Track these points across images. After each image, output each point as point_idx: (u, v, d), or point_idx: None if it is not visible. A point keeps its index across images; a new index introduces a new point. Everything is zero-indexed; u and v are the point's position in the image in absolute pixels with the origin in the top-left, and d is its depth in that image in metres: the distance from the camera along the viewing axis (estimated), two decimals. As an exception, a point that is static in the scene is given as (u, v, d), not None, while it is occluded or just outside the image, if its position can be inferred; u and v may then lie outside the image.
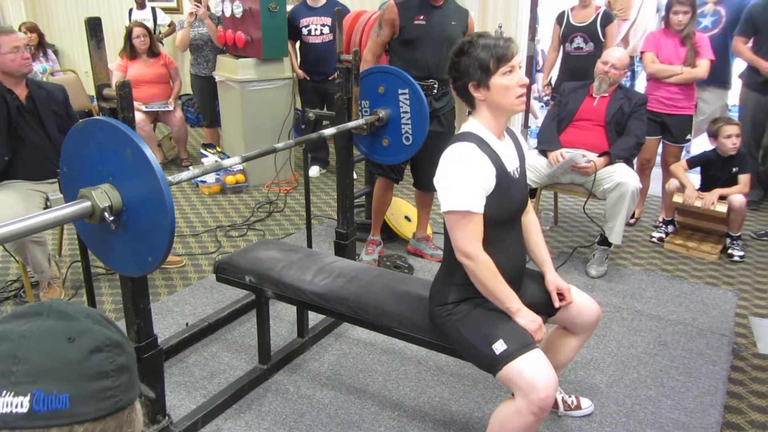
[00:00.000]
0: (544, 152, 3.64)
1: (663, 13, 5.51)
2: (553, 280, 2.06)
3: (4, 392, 0.67)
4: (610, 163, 3.47)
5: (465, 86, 1.90)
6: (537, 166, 3.61)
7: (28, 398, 0.66)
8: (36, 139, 3.06)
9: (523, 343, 1.77)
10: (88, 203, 1.63)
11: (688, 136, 4.06)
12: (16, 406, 0.66)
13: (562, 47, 4.61)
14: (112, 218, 1.64)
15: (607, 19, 4.39)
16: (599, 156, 3.49)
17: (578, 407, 2.36)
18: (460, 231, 1.79)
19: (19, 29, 5.90)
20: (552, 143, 3.63)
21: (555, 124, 3.75)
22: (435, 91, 3.31)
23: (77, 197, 1.66)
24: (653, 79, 4.03)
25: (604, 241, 3.52)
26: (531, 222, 2.15)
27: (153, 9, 6.73)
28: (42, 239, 3.03)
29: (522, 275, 2.03)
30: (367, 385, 2.53)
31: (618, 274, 3.53)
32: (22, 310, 0.74)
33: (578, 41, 4.48)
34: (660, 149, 4.25)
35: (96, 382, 0.70)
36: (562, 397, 2.36)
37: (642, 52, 4.11)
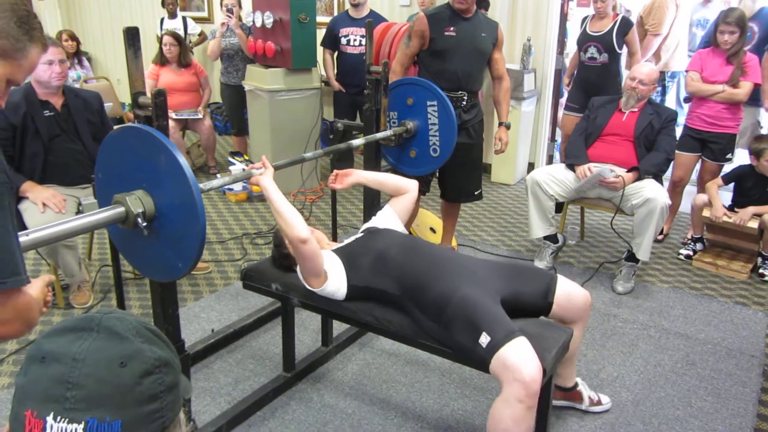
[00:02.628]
0: (571, 166, 3.61)
1: (694, 27, 5.49)
2: None
3: (59, 418, 0.68)
4: (639, 178, 3.43)
5: None
6: (564, 180, 3.59)
7: (82, 426, 0.68)
8: (70, 146, 3.12)
9: (505, 332, 1.79)
10: (122, 209, 1.66)
11: (729, 155, 3.97)
12: None
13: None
14: (144, 224, 1.66)
15: (626, 26, 4.37)
16: (628, 171, 3.46)
17: (599, 403, 2.43)
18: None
19: (59, 36, 6.03)
20: (579, 157, 3.60)
21: (583, 139, 3.73)
22: (464, 102, 3.32)
23: (111, 203, 1.69)
24: (696, 97, 3.97)
25: (632, 257, 3.48)
26: None
27: (184, 18, 6.84)
28: (73, 243, 3.09)
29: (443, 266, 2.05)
30: (391, 396, 2.53)
31: (645, 290, 3.49)
32: (73, 323, 0.74)
33: (592, 51, 4.47)
34: (698, 167, 4.18)
35: (146, 405, 0.71)
36: (588, 395, 2.41)
37: (686, 71, 4.07)
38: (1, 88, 1.14)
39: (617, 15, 4.48)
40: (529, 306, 2.08)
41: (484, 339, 1.78)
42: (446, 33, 3.24)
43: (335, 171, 2.44)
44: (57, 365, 0.70)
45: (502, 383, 1.77)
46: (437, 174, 3.59)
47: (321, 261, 2.03)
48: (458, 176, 3.52)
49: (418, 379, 2.63)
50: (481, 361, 1.81)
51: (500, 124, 3.48)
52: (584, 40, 4.52)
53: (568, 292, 2.13)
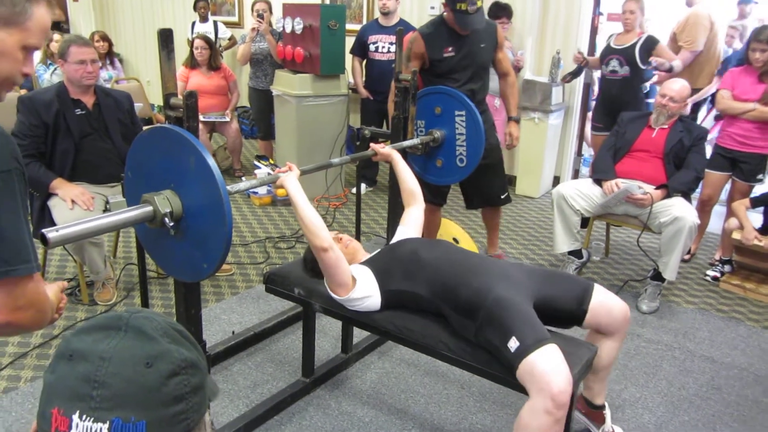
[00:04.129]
0: (598, 181, 3.57)
1: (725, 44, 5.41)
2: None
3: (85, 417, 0.68)
4: (668, 196, 3.38)
5: None
6: (590, 195, 3.55)
7: (107, 426, 0.67)
8: (100, 145, 3.16)
9: (536, 337, 1.76)
10: (150, 208, 1.67)
11: (760, 176, 3.90)
12: None
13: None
14: (172, 224, 1.67)
15: (650, 44, 4.35)
16: (656, 188, 3.41)
17: None
18: None
19: (93, 37, 6.14)
20: (607, 172, 3.56)
21: (611, 154, 3.69)
22: None
23: (140, 202, 1.70)
24: (727, 116, 3.92)
25: (657, 276, 3.43)
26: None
27: (215, 23, 6.93)
28: (100, 241, 3.12)
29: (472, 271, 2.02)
30: (409, 406, 2.51)
31: (670, 311, 3.42)
32: (101, 321, 0.74)
33: (614, 64, 4.45)
34: (728, 186, 4.11)
35: (171, 407, 0.71)
36: (610, 425, 2.34)
37: (717, 89, 4.02)
38: (20, 57, 1.11)
39: (642, 33, 4.45)
40: (563, 312, 2.04)
41: (513, 343, 1.76)
42: (445, 54, 3.23)
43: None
44: (84, 363, 0.70)
45: (529, 390, 1.74)
46: (460, 184, 3.57)
47: (345, 270, 2.02)
48: (480, 182, 3.49)
49: (437, 391, 2.61)
50: (508, 363, 1.79)
51: (509, 118, 3.45)
52: (607, 53, 4.53)
53: (605, 301, 2.08)
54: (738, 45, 5.02)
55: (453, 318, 1.97)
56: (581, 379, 1.97)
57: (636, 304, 3.44)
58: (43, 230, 1.44)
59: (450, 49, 3.20)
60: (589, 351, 2.00)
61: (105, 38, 6.40)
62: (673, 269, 3.31)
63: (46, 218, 3.03)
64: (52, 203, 3.02)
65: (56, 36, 5.55)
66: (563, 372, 1.71)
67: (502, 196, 3.59)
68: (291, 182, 2.02)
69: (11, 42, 1.08)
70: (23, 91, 5.05)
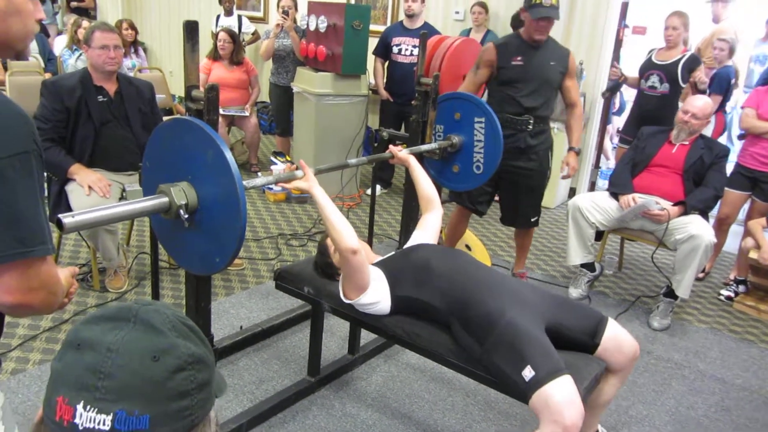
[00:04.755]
0: (615, 195, 3.54)
1: (752, 63, 5.35)
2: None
3: (89, 407, 0.68)
4: (685, 213, 3.34)
5: None
6: (606, 209, 3.52)
7: (110, 417, 0.67)
8: (120, 133, 3.18)
9: (551, 369, 1.74)
10: (165, 199, 1.67)
11: None
12: (99, 423, 0.67)
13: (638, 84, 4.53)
14: (186, 216, 1.67)
15: (693, 62, 4.27)
16: (674, 205, 3.38)
17: None
18: None
19: (119, 25, 6.18)
20: (625, 187, 3.53)
21: (629, 168, 3.66)
22: (530, 127, 3.27)
23: (156, 192, 1.71)
24: (750, 134, 3.87)
25: (670, 294, 3.39)
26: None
27: (239, 17, 6.95)
28: (114, 228, 3.13)
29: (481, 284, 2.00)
30: (413, 411, 2.50)
31: (682, 329, 3.39)
32: (111, 312, 0.74)
33: (653, 79, 4.38)
34: (746, 206, 4.06)
35: (176, 402, 0.70)
36: None
37: (742, 107, 3.97)
38: (31, 8, 1.12)
39: (687, 50, 4.38)
40: (574, 342, 1.99)
41: (528, 372, 1.73)
42: (513, 62, 3.22)
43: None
44: (91, 353, 0.70)
45: (540, 419, 1.71)
46: (499, 198, 3.57)
47: (367, 274, 2.01)
48: (517, 201, 3.47)
49: (442, 397, 2.60)
50: (521, 393, 1.76)
51: (570, 149, 3.41)
52: (647, 68, 4.43)
53: (617, 337, 2.03)
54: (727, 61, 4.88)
55: (460, 335, 1.94)
56: (589, 394, 1.95)
57: (647, 320, 3.41)
58: (59, 215, 1.44)
59: (519, 58, 3.21)
60: (598, 366, 1.98)
61: (132, 26, 6.45)
62: (686, 287, 3.28)
63: (62, 203, 3.05)
64: (70, 188, 3.04)
65: (84, 23, 5.59)
66: (577, 404, 1.69)
67: (533, 219, 3.56)
68: (315, 188, 2.00)
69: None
70: (48, 75, 5.10)
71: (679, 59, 4.28)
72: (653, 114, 4.33)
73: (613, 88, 4.90)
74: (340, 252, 1.97)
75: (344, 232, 1.93)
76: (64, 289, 1.23)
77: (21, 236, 1.01)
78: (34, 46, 5.80)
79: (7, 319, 1.20)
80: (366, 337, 2.80)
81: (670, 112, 4.36)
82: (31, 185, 1.03)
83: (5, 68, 5.22)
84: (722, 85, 4.50)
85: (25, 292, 1.05)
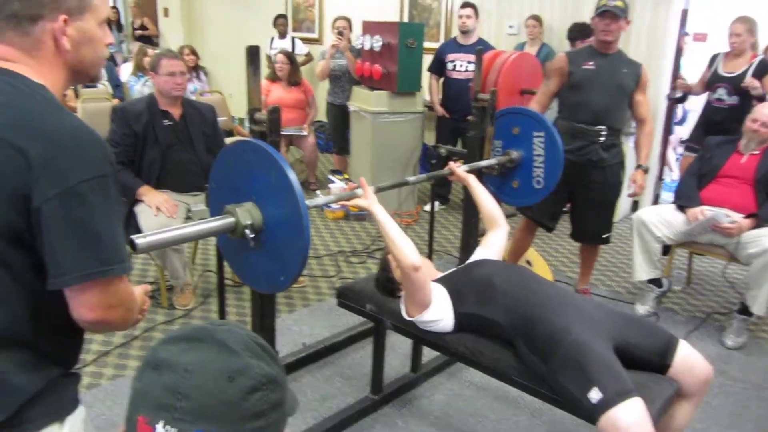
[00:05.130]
0: (681, 208, 3.43)
1: None
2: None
3: (168, 427, 0.70)
4: (758, 226, 3.20)
5: None
6: (673, 222, 3.41)
7: None
8: (184, 155, 3.28)
9: (620, 390, 1.67)
10: (231, 219, 1.71)
11: None
12: None
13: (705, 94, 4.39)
14: (252, 236, 1.70)
15: (764, 69, 4.10)
16: (745, 217, 3.24)
17: None
18: None
19: (182, 51, 6.41)
20: (692, 199, 3.41)
21: (696, 180, 3.53)
22: (602, 139, 3.22)
23: (222, 213, 1.75)
24: None
25: (745, 310, 3.24)
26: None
27: (293, 39, 7.13)
28: (180, 247, 3.23)
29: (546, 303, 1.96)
30: (477, 430, 2.46)
31: (759, 348, 3.23)
32: (188, 332, 0.76)
33: (721, 92, 4.23)
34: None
35: (251, 422, 0.72)
36: None
37: None
38: (101, 35, 1.16)
39: (756, 55, 4.21)
40: (643, 362, 1.92)
41: (596, 394, 1.68)
42: (584, 67, 3.21)
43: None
44: (169, 374, 0.72)
45: None
46: (570, 213, 3.52)
47: (429, 291, 2.01)
48: (588, 216, 3.42)
49: (507, 417, 2.55)
50: (587, 415, 1.71)
51: (638, 166, 3.33)
52: (714, 81, 4.30)
53: (689, 359, 1.95)
54: None
55: (524, 353, 1.91)
56: (660, 416, 1.87)
57: (720, 339, 3.27)
58: (132, 237, 1.50)
59: (590, 63, 3.21)
60: (670, 387, 1.91)
61: (193, 52, 6.69)
62: (762, 304, 3.13)
63: (132, 223, 3.16)
64: (139, 209, 3.16)
65: (149, 51, 5.82)
66: (647, 428, 1.63)
67: (604, 236, 3.48)
68: (375, 207, 2.00)
69: (91, 26, 1.13)
70: (116, 101, 5.32)
71: (747, 69, 4.12)
72: (722, 126, 4.18)
73: (679, 99, 4.75)
74: (401, 268, 1.97)
75: (405, 249, 1.93)
76: (138, 306, 1.27)
77: (101, 255, 1.06)
78: (103, 73, 6.07)
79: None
80: (428, 354, 2.79)
81: (740, 124, 4.22)
82: (109, 206, 1.08)
83: (77, 95, 5.47)
84: None
85: (105, 309, 1.09)
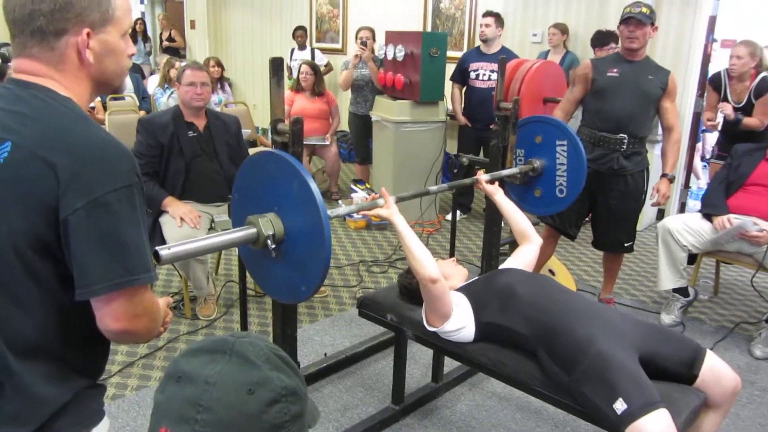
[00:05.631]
0: (708, 216, 3.38)
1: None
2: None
3: None
4: (787, 234, 3.15)
5: None
6: (700, 231, 3.36)
7: None
8: (209, 166, 3.32)
9: (645, 401, 1.65)
10: (254, 230, 1.72)
11: None
12: None
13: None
14: (273, 246, 1.72)
15: (764, 87, 4.06)
16: (774, 226, 3.18)
17: None
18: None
19: (207, 63, 6.51)
20: (719, 207, 3.36)
21: (723, 188, 3.48)
22: (624, 147, 3.20)
23: (245, 223, 1.77)
24: None
25: (774, 320, 3.19)
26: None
27: (312, 50, 7.21)
28: (204, 258, 3.26)
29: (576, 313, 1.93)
30: (499, 442, 2.44)
31: (788, 358, 3.17)
32: (208, 344, 0.77)
33: (739, 115, 4.19)
34: None
35: None
36: None
37: None
38: (123, 46, 1.18)
39: (756, 74, 4.17)
40: (669, 373, 1.89)
41: (620, 405, 1.66)
42: (609, 74, 3.19)
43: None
44: (191, 386, 0.73)
45: None
46: (591, 221, 3.50)
47: (449, 302, 2.00)
48: (609, 225, 3.39)
49: (529, 428, 2.53)
50: (612, 426, 1.69)
51: (663, 175, 3.28)
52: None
53: (716, 369, 1.91)
54: None
55: (546, 363, 1.89)
56: (687, 428, 1.84)
57: (749, 349, 3.21)
58: (156, 248, 1.51)
59: (615, 70, 3.20)
60: (697, 398, 1.87)
61: (219, 64, 6.77)
62: (792, 314, 3.07)
63: (156, 234, 3.20)
64: (163, 220, 3.20)
65: (177, 63, 5.91)
66: None
67: (627, 244, 3.44)
68: (396, 217, 2.01)
69: (114, 39, 1.15)
70: (143, 113, 5.41)
71: (749, 94, 4.12)
72: (748, 136, 4.16)
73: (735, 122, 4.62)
74: (419, 280, 1.98)
75: (423, 261, 1.94)
76: (162, 317, 1.29)
77: (128, 265, 1.07)
78: (129, 85, 6.17)
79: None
80: (450, 364, 2.78)
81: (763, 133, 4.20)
82: (135, 216, 1.09)
83: (105, 108, 5.57)
84: None
85: (131, 319, 1.11)
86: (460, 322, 2.02)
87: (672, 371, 1.89)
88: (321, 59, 7.23)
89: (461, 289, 2.16)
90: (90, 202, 1.03)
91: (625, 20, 3.10)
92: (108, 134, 1.12)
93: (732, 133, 4.33)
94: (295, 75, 6.15)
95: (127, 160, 1.09)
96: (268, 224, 1.73)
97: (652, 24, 3.09)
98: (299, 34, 7.19)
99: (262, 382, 0.73)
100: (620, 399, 1.66)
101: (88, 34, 1.10)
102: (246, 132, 4.43)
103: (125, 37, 1.18)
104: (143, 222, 1.12)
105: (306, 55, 7.04)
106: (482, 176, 2.52)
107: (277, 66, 1.89)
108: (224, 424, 0.70)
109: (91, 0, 1.09)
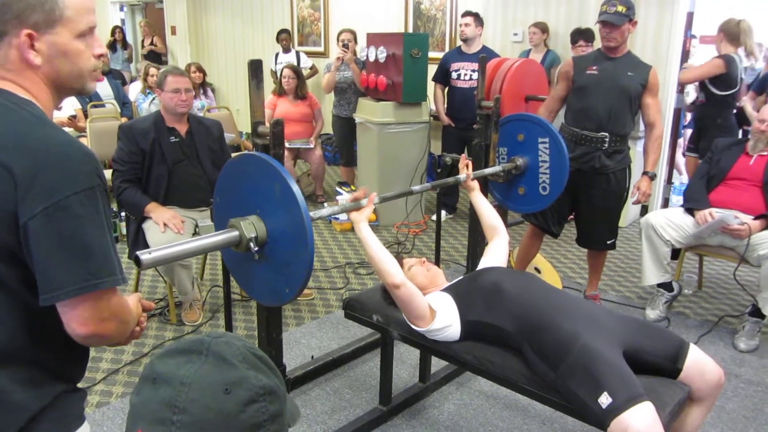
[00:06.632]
0: (690, 211, 3.40)
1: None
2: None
3: None
4: (768, 227, 3.18)
5: None
6: (682, 225, 3.38)
7: None
8: (191, 171, 3.30)
9: (630, 395, 1.66)
10: (236, 233, 1.72)
11: None
12: None
13: None
14: (256, 248, 1.71)
15: None
16: (755, 218, 3.21)
17: None
18: None
19: (189, 68, 6.47)
20: (700, 202, 3.39)
21: (704, 182, 3.51)
22: (606, 146, 3.21)
23: (227, 226, 1.76)
24: None
25: (757, 313, 3.21)
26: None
27: (297, 53, 7.20)
28: (188, 263, 3.24)
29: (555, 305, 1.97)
30: (487, 440, 2.44)
31: (772, 350, 3.20)
32: (184, 345, 0.76)
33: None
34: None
35: None
36: None
37: None
38: (81, 47, 1.12)
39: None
40: (654, 367, 1.90)
41: (605, 399, 1.67)
42: (588, 72, 3.21)
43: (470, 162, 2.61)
44: (166, 388, 0.72)
45: None
46: (575, 219, 3.52)
47: (420, 303, 2.01)
48: (592, 222, 3.40)
49: (517, 426, 2.53)
50: (598, 420, 1.70)
51: (644, 173, 3.30)
52: None
53: (700, 362, 1.93)
54: None
55: (532, 360, 1.90)
56: (673, 421, 1.85)
57: (733, 342, 3.23)
58: (137, 252, 1.51)
59: (594, 68, 3.21)
60: (681, 392, 1.89)
61: (200, 69, 6.74)
62: (774, 305, 3.10)
63: (140, 240, 3.18)
64: (146, 226, 3.17)
65: (153, 69, 5.87)
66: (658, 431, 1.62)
67: (609, 242, 3.46)
68: (361, 225, 2.04)
69: (63, 40, 1.10)
70: (124, 119, 5.37)
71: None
72: (715, 129, 4.36)
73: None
74: (386, 287, 2.00)
75: (386, 268, 1.97)
76: (135, 318, 1.26)
77: (92, 269, 1.05)
78: (109, 92, 6.12)
79: (92, 353, 1.25)
80: (437, 364, 2.78)
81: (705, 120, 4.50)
82: (99, 219, 1.07)
83: (86, 116, 5.52)
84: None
85: (97, 323, 1.09)
86: (445, 320, 2.03)
87: (656, 365, 1.91)
88: (306, 62, 7.22)
89: (447, 289, 2.17)
90: (50, 206, 1.01)
91: (601, 22, 3.12)
92: (68, 136, 1.10)
93: (701, 126, 4.45)
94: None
95: (89, 162, 1.07)
96: (251, 227, 1.72)
97: (630, 20, 3.11)
98: (283, 37, 7.18)
99: (239, 382, 0.72)
100: (605, 393, 1.67)
101: (30, 36, 1.07)
102: (230, 137, 4.41)
103: (86, 38, 1.13)
104: (108, 224, 1.10)
105: (291, 58, 7.03)
106: (466, 167, 2.54)
107: (255, 68, 1.89)
108: (201, 425, 0.70)
109: (30, 1, 1.05)
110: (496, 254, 2.36)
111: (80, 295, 1.05)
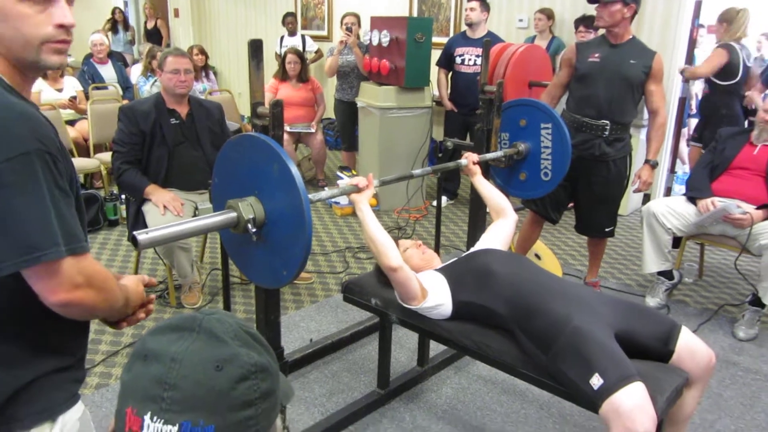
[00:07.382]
0: (692, 199, 3.39)
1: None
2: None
3: (156, 418, 0.69)
4: (771, 217, 3.16)
5: None
6: (684, 214, 3.37)
7: (176, 429, 0.68)
8: (192, 153, 3.29)
9: (621, 375, 1.66)
10: (234, 214, 1.71)
11: None
12: None
13: None
14: (254, 230, 1.70)
15: None
16: (757, 208, 3.20)
17: None
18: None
19: (191, 50, 6.44)
20: (702, 190, 3.37)
21: (707, 171, 3.49)
22: (606, 133, 3.19)
23: (225, 207, 1.75)
24: None
25: (757, 302, 3.20)
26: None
27: (303, 37, 7.13)
28: (188, 246, 3.24)
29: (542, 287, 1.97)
30: (485, 424, 2.45)
31: (771, 339, 3.20)
32: (176, 322, 0.75)
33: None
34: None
35: (240, 412, 0.71)
36: None
37: None
38: (28, 11, 1.03)
39: None
40: (646, 349, 1.90)
41: (596, 380, 1.67)
42: (590, 59, 3.18)
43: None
44: (157, 364, 0.71)
45: (611, 429, 1.65)
46: (574, 206, 3.51)
47: (414, 286, 2.02)
48: (591, 210, 3.39)
49: (515, 410, 2.54)
50: (590, 402, 1.70)
51: (646, 161, 3.27)
52: None
53: (691, 345, 1.93)
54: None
55: (523, 342, 1.91)
56: (670, 406, 1.85)
57: (732, 330, 3.23)
58: (134, 233, 1.50)
59: (596, 55, 3.18)
60: (679, 377, 1.88)
61: (202, 52, 6.71)
62: (774, 295, 3.09)
63: (140, 222, 3.17)
64: (146, 208, 3.17)
65: (158, 52, 5.84)
66: (649, 411, 1.62)
67: (607, 229, 3.44)
68: (362, 205, 2.03)
69: (4, 2, 1.01)
70: (125, 102, 5.36)
71: None
72: (721, 120, 4.32)
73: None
74: (383, 269, 2.01)
75: (384, 251, 1.97)
76: (128, 291, 1.22)
77: (29, 241, 0.98)
78: (113, 75, 6.10)
79: (91, 335, 1.22)
80: (435, 348, 2.78)
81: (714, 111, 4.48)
82: (36, 188, 0.98)
83: (87, 97, 5.50)
84: None
85: (68, 290, 1.03)
86: (437, 299, 2.04)
87: (648, 347, 1.91)
88: (312, 46, 7.17)
89: (441, 270, 2.17)
90: None
91: (594, 0, 3.09)
92: (6, 99, 1.01)
93: (706, 116, 4.42)
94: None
95: (26, 125, 0.98)
96: (249, 208, 1.71)
97: (626, 3, 3.05)
98: (289, 20, 7.12)
99: (231, 359, 0.72)
100: (596, 374, 1.67)
101: None
102: (233, 125, 4.40)
103: (36, 3, 1.02)
104: (52, 192, 1.01)
105: (296, 41, 6.98)
106: (472, 155, 2.53)
107: (255, 48, 1.87)
108: (192, 402, 0.69)
109: None
110: (498, 234, 2.35)
111: (28, 268, 0.99)
